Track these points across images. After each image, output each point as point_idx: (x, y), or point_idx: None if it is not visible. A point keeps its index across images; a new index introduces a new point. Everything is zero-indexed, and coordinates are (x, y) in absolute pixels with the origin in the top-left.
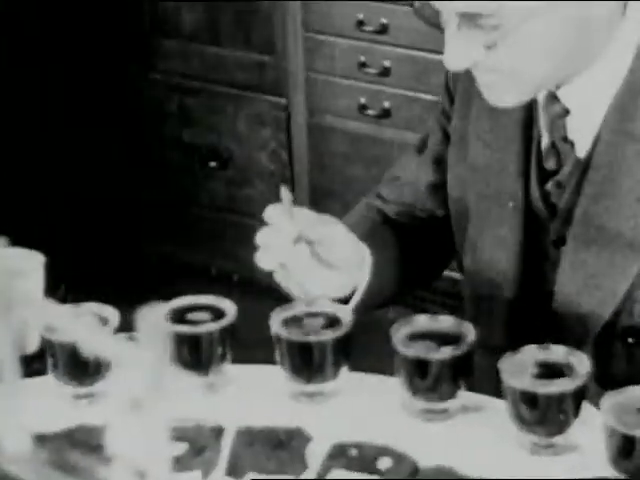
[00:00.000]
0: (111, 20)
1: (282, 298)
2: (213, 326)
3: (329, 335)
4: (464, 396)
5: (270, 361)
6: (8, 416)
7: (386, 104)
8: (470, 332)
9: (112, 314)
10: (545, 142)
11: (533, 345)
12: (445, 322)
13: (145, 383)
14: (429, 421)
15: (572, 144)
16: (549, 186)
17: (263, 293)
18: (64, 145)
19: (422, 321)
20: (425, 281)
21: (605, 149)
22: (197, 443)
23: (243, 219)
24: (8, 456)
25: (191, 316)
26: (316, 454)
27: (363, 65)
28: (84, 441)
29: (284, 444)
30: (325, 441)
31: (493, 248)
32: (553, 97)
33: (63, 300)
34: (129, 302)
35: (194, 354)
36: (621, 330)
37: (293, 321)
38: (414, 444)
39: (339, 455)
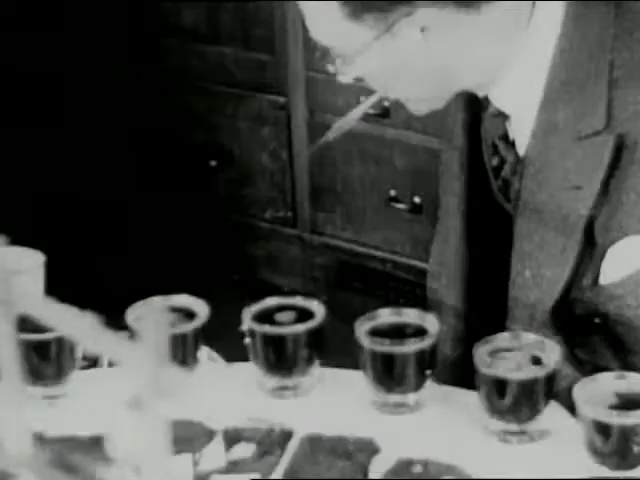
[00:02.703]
0: (111, 18)
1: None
2: (299, 327)
3: (413, 346)
4: (542, 417)
5: None
6: (9, 416)
7: (386, 103)
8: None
9: (202, 307)
10: (488, 141)
11: (610, 373)
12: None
13: (145, 382)
14: (505, 442)
15: (512, 143)
16: (499, 182)
17: (263, 293)
18: (64, 143)
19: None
20: None
21: (535, 143)
22: (264, 446)
23: (243, 218)
24: (9, 457)
25: (278, 317)
26: (380, 467)
27: None
28: (86, 441)
29: (350, 454)
30: (394, 454)
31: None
32: (486, 98)
33: (63, 300)
34: (128, 301)
35: (279, 355)
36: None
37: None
38: (486, 465)
39: (402, 470)
